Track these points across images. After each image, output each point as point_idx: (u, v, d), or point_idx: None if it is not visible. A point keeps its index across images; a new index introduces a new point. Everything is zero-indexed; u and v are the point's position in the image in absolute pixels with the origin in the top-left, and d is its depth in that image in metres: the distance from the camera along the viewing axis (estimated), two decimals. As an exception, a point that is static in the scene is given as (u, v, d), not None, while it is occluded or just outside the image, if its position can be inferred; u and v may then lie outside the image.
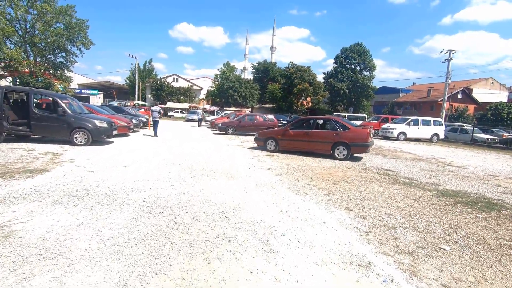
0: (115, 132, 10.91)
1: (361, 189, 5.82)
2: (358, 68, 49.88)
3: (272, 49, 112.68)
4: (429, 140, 20.72)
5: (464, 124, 30.65)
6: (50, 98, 10.23)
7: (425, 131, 20.70)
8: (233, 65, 58.82)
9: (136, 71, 48.96)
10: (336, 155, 9.56)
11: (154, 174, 6.17)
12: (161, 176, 6.02)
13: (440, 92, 52.43)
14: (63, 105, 9.60)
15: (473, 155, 13.79)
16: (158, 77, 56.47)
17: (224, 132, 17.99)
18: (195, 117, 34.23)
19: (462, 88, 51.39)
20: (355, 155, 9.92)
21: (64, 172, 5.91)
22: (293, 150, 10.45)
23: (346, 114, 31.81)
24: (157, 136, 14.52)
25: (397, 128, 20.45)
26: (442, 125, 21.45)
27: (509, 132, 28.72)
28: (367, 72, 49.86)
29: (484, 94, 54.60)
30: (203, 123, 26.31)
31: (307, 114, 48.31)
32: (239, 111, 37.33)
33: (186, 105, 50.08)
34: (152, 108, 15.75)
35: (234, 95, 47.56)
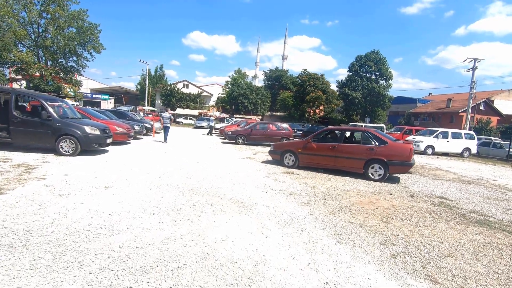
0: (109, 140, 9.50)
1: (427, 233, 4.11)
2: (373, 76, 48.00)
3: (283, 57, 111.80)
4: (460, 155, 18.66)
5: (492, 138, 28.35)
6: (38, 100, 8.92)
7: (456, 145, 18.65)
8: (244, 72, 57.92)
9: (147, 77, 48.39)
10: (370, 175, 7.83)
11: (141, 201, 4.61)
12: (149, 205, 4.45)
13: (461, 103, 50.08)
14: (49, 108, 8.25)
15: (523, 176, 11.78)
16: (169, 83, 55.93)
17: (233, 142, 16.47)
18: (204, 124, 33.01)
19: (484, 99, 48.78)
20: (393, 175, 8.18)
21: (22, 196, 4.42)
22: (316, 166, 8.78)
23: (364, 124, 29.88)
24: (167, 142, 14.28)
25: (424, 141, 18.48)
26: (474, 138, 19.34)
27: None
28: (383, 81, 47.90)
29: (506, 106, 51.80)
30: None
31: (320, 123, 46.54)
32: (250, 118, 35.95)
33: (195, 112, 49.08)
34: (163, 114, 15.44)
35: (244, 102, 46.32)
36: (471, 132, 20.63)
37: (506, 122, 44.92)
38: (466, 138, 18.99)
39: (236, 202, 4.99)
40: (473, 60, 31.76)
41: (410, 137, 19.80)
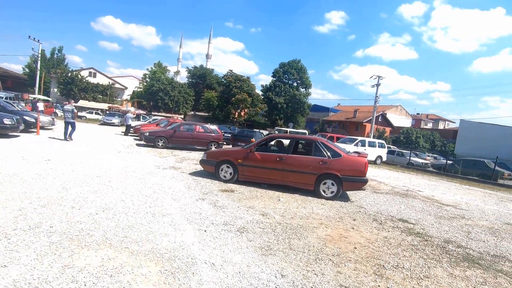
0: None
1: (440, 293, 2.98)
2: (295, 84, 50.39)
3: (207, 56, 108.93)
4: (373, 162, 20.22)
5: (391, 146, 32.66)
6: None
7: (371, 153, 20.07)
8: (165, 66, 52.98)
9: (39, 58, 38.99)
10: (322, 192, 6.75)
11: None
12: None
13: (365, 114, 57.19)
14: None
15: (429, 184, 12.94)
16: (70, 69, 46.78)
17: (152, 144, 13.68)
18: (115, 120, 28.15)
19: (381, 112, 56.78)
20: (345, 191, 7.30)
21: None
22: (259, 181, 7.27)
23: (289, 130, 30.38)
24: (72, 139, 12.30)
25: (346, 148, 19.30)
26: (384, 147, 21.36)
27: (429, 156, 31.60)
28: (304, 89, 50.79)
29: (395, 119, 61.93)
30: (121, 128, 20.77)
31: (245, 125, 46.14)
32: (171, 117, 32.55)
33: (104, 105, 42.20)
34: (65, 107, 12.80)
35: (165, 99, 42.12)
36: (382, 141, 22.81)
37: (396, 133, 53.31)
38: (379, 146, 20.75)
39: (159, 260, 2.96)
40: (378, 78, 35.93)
41: (333, 144, 20.51)
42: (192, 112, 48.58)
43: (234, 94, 43.14)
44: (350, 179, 6.65)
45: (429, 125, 73.13)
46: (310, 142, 7.31)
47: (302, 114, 49.94)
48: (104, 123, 27.92)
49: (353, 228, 4.81)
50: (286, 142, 7.76)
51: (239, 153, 7.33)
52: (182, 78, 59.86)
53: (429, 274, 3.40)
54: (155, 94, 41.85)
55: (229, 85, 44.40)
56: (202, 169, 8.22)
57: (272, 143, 7.93)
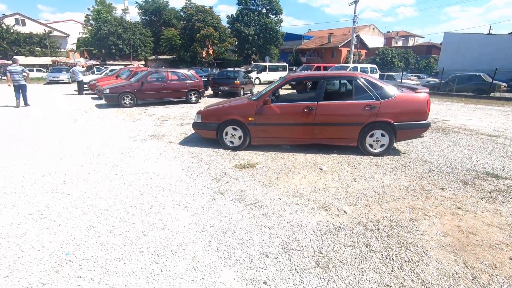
0: None
1: None
2: (264, 10, 44.97)
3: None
4: (366, 90, 18.74)
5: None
6: None
7: (364, 81, 18.49)
8: (109, 3, 44.22)
9: None
10: (368, 147, 5.02)
11: None
12: None
13: (339, 38, 53.97)
14: None
15: (441, 108, 11.77)
16: (-11, 18, 37.74)
17: (116, 103, 10.90)
18: (63, 77, 23.62)
19: (357, 34, 53.72)
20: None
21: None
22: (278, 143, 5.37)
23: (267, 64, 27.38)
24: (29, 105, 10.71)
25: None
26: (377, 72, 19.74)
27: (412, 75, 30.65)
28: (274, 16, 45.67)
29: (369, 39, 59.39)
30: (73, 86, 16.85)
31: (215, 65, 41.92)
32: (131, 65, 28.04)
33: (47, 60, 35.71)
34: (9, 67, 10.39)
35: (118, 43, 36.07)
36: (374, 65, 21.01)
37: (371, 54, 51.50)
38: (371, 72, 19.07)
39: None
40: (356, -7, 32.15)
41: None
42: (154, 56, 42.91)
43: (198, 29, 37.77)
44: (406, 126, 4.89)
45: (400, 43, 71.57)
46: (348, 80, 5.24)
47: (275, 45, 45.90)
48: (51, 82, 23.31)
49: (459, 208, 3.22)
50: (316, 83, 5.64)
51: (249, 108, 5.17)
52: (133, 17, 51.33)
53: None
54: (106, 39, 35.57)
55: (191, 19, 38.51)
56: (193, 132, 6.11)
57: (294, 87, 5.79)
